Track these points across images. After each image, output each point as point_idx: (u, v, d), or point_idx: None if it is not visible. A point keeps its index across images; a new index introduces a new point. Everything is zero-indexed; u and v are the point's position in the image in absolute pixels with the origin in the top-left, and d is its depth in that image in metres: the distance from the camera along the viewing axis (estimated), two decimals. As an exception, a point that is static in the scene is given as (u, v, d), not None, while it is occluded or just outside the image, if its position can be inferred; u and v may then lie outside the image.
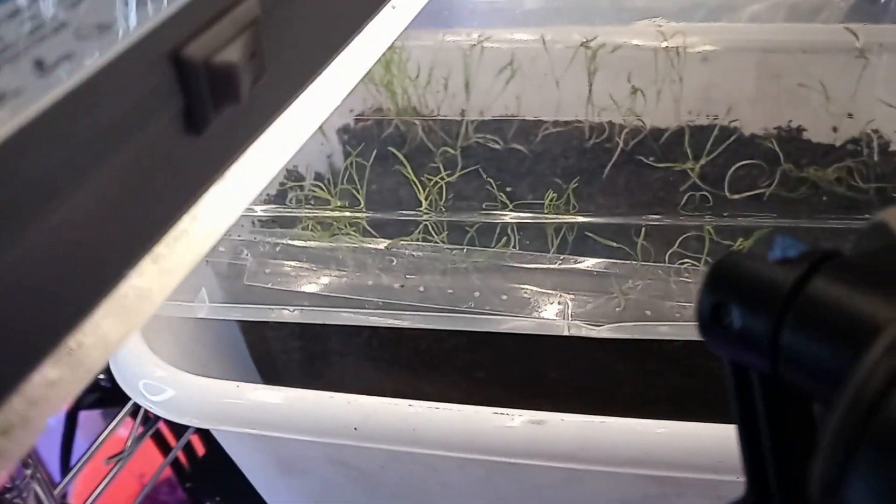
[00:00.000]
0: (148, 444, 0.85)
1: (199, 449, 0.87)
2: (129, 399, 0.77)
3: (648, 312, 0.49)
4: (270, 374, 0.63)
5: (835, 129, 0.74)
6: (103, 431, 0.76)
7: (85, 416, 1.05)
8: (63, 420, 0.93)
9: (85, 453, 0.75)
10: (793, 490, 0.23)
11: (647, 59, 0.75)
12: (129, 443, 0.78)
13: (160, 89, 0.16)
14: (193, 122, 0.17)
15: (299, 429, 0.47)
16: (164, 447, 0.85)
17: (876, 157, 0.70)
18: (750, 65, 0.77)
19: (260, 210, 0.60)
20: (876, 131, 0.72)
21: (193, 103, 0.17)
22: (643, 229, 0.51)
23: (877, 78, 0.71)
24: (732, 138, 0.73)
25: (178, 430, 0.84)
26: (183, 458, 0.86)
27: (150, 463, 0.85)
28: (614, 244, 0.52)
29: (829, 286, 0.20)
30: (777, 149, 0.70)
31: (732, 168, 0.68)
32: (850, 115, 0.71)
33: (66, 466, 0.90)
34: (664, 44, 0.74)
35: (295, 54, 0.21)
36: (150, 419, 0.82)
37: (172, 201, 0.18)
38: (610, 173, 0.71)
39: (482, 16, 0.94)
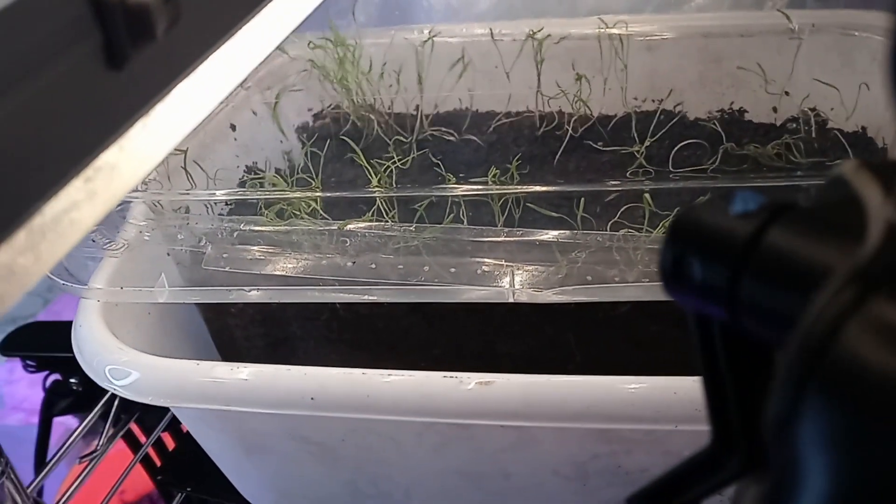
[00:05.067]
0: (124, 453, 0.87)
1: (171, 446, 0.89)
2: (99, 402, 0.79)
3: (590, 278, 0.51)
4: (234, 361, 0.65)
5: (775, 110, 0.77)
6: (74, 432, 0.77)
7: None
8: (38, 427, 0.94)
9: (56, 453, 0.76)
10: (756, 438, 0.23)
11: (594, 49, 0.77)
12: (100, 442, 0.79)
13: (78, 23, 0.18)
14: (112, 58, 0.19)
15: (258, 402, 0.49)
16: (138, 448, 0.86)
17: (814, 134, 0.73)
18: (692, 51, 0.80)
19: (220, 195, 0.62)
20: (813, 109, 0.75)
21: (110, 39, 0.19)
22: (582, 199, 0.53)
23: (811, 58, 0.74)
24: (677, 121, 0.76)
25: (149, 430, 0.85)
26: (155, 456, 0.87)
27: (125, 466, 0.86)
28: (554, 214, 0.54)
29: (785, 236, 0.20)
30: (720, 130, 0.73)
31: (676, 148, 0.70)
32: (786, 93, 0.74)
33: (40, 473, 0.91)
34: (609, 31, 0.77)
35: (214, 4, 0.23)
36: (120, 420, 0.83)
37: (96, 131, 0.20)
38: (561, 159, 0.74)
39: (438, 15, 0.97)
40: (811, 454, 0.18)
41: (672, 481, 0.26)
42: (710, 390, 0.24)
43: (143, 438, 0.87)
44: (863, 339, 0.17)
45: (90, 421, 0.80)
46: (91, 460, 0.78)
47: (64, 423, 1.08)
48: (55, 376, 0.92)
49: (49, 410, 0.92)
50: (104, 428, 0.82)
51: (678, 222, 0.23)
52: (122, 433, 0.83)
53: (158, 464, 0.90)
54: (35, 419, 0.95)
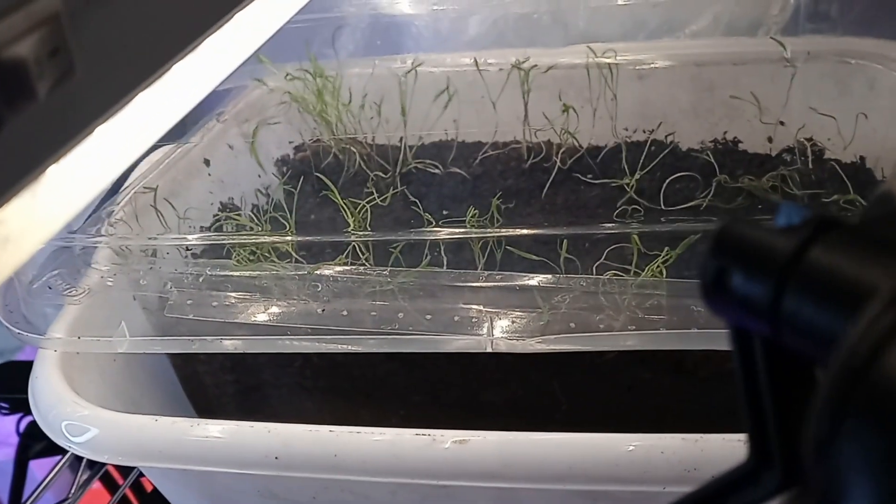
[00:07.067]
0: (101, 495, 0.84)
1: (149, 487, 0.86)
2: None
3: (573, 325, 0.48)
4: (205, 410, 0.62)
5: (770, 140, 0.74)
6: (46, 478, 0.75)
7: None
8: (12, 471, 0.91)
9: (28, 498, 0.73)
10: (794, 455, 0.23)
11: (583, 78, 0.75)
12: (72, 489, 0.76)
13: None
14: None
15: (220, 461, 0.46)
16: (115, 490, 0.84)
17: (811, 165, 0.70)
18: (684, 79, 0.78)
19: (191, 239, 0.60)
20: (809, 139, 0.72)
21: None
22: (564, 241, 0.50)
23: (807, 86, 0.71)
24: (669, 153, 0.73)
25: (127, 471, 0.82)
26: (133, 498, 0.85)
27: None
28: (535, 257, 0.51)
29: (829, 252, 0.20)
30: (713, 161, 0.71)
31: (668, 180, 0.68)
32: (781, 123, 0.72)
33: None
34: (598, 61, 0.74)
35: (122, 56, 0.21)
36: (96, 463, 0.80)
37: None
38: (548, 192, 0.71)
39: (427, 42, 0.94)
40: (852, 476, 0.17)
41: (706, 497, 0.25)
42: (748, 405, 0.23)
43: (120, 480, 0.85)
44: None
45: (62, 466, 0.77)
46: (63, 509, 0.75)
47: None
48: (30, 418, 0.89)
49: (24, 454, 0.89)
50: (79, 471, 0.79)
51: (721, 233, 0.22)
52: (98, 476, 0.80)
53: (136, 505, 0.87)
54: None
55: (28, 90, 0.17)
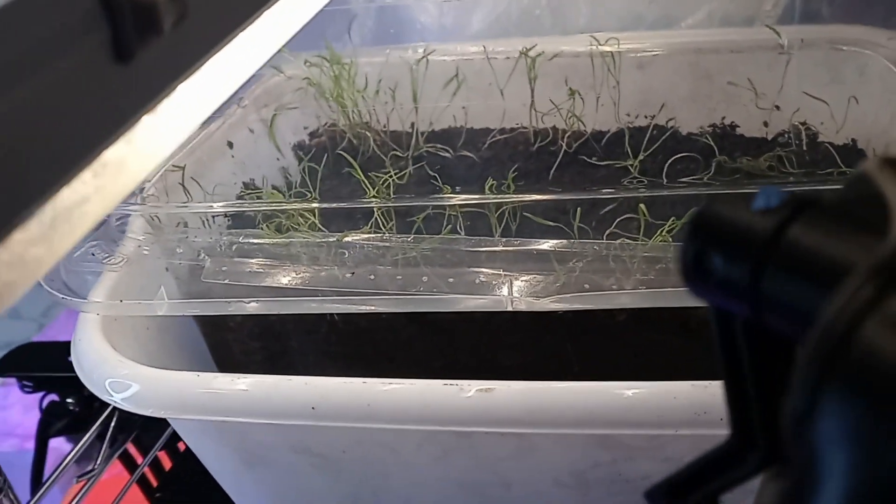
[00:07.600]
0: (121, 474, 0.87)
1: (168, 465, 0.88)
2: (95, 422, 0.80)
3: (587, 286, 0.52)
4: (233, 376, 0.65)
5: (766, 124, 0.78)
6: (71, 452, 0.77)
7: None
8: (34, 448, 0.94)
9: (52, 473, 0.76)
10: (775, 433, 0.23)
11: (586, 66, 0.78)
12: (98, 462, 0.79)
13: (86, 17, 0.19)
14: (119, 52, 0.20)
15: (259, 412, 0.49)
16: (134, 468, 0.86)
17: (805, 148, 0.74)
18: (683, 67, 0.81)
19: (218, 207, 0.63)
20: (804, 123, 0.76)
21: (118, 33, 0.20)
22: (578, 209, 0.53)
23: (801, 72, 0.75)
24: (670, 136, 0.77)
25: (146, 449, 0.85)
26: (151, 476, 0.87)
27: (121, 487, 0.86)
28: (551, 223, 0.54)
29: (807, 232, 0.21)
30: (712, 144, 0.74)
31: (669, 161, 0.71)
32: (777, 108, 0.75)
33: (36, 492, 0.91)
34: (601, 49, 0.78)
35: (220, 4, 0.24)
36: (117, 440, 0.83)
37: (104, 125, 0.21)
38: (555, 174, 0.75)
39: (431, 36, 0.98)
40: (831, 450, 0.18)
41: (691, 476, 0.26)
42: (730, 385, 0.24)
43: (139, 458, 0.87)
44: (882, 334, 0.17)
45: (87, 440, 0.80)
46: (89, 479, 0.78)
47: (58, 449, 1.08)
48: (52, 397, 0.92)
49: (45, 431, 0.92)
50: (101, 448, 0.82)
51: (699, 217, 0.23)
52: (118, 453, 0.83)
53: (155, 483, 0.90)
54: (29, 445, 0.95)
55: (157, 27, 0.21)
